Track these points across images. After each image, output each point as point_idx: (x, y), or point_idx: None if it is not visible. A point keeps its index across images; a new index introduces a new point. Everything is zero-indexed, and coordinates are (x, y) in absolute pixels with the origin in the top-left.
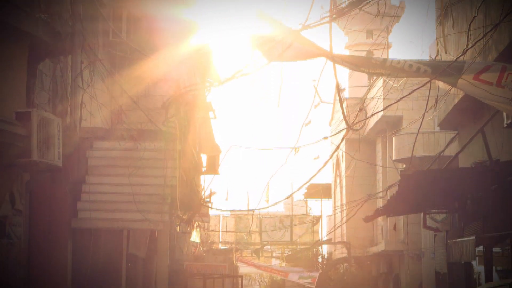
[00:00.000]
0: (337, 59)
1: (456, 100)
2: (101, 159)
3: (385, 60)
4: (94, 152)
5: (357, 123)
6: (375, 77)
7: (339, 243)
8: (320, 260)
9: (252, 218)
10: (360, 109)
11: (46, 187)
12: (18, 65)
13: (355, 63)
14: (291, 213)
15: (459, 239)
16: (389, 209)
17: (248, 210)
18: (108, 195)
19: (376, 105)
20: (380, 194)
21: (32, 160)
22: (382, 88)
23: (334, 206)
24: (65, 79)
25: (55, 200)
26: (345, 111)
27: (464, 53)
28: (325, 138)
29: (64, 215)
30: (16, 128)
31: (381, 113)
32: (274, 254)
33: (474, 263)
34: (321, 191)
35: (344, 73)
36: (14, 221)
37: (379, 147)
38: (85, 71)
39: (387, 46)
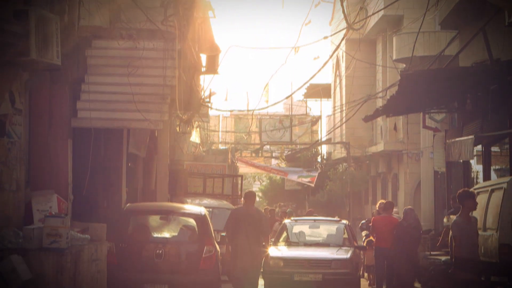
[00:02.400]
0: None
1: None
2: (100, 59)
3: None
4: (93, 51)
5: (357, 22)
6: None
7: (338, 143)
8: (319, 160)
9: (252, 118)
10: (361, 8)
11: (46, 86)
12: None
13: None
14: (290, 113)
15: (458, 139)
16: (389, 109)
17: (248, 110)
18: (108, 94)
19: (377, 3)
20: (380, 94)
21: (30, 58)
22: None
23: (334, 106)
24: None
25: (54, 100)
26: (345, 10)
27: None
28: (325, 37)
29: (64, 115)
30: (14, 26)
31: (381, 12)
32: (273, 154)
33: (473, 162)
34: (320, 91)
35: None
36: (14, 120)
37: (379, 47)
38: None
39: None
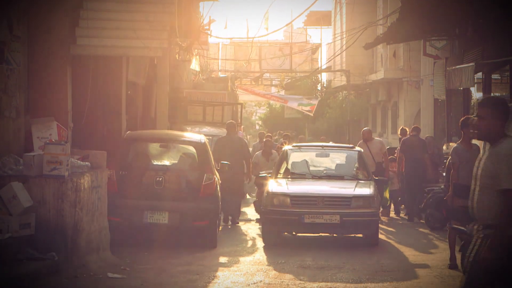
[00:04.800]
0: None
1: None
2: None
3: None
4: None
5: None
6: None
7: (338, 71)
8: (319, 88)
9: (252, 46)
10: None
11: (44, 13)
12: None
13: None
14: (290, 41)
15: (458, 66)
16: (389, 36)
17: (248, 38)
18: (107, 21)
19: None
20: (381, 21)
21: None
22: None
23: (334, 34)
24: None
25: (53, 26)
26: None
27: None
28: None
29: (62, 42)
30: None
31: None
32: (273, 82)
33: (473, 89)
34: (321, 18)
35: None
36: (13, 47)
37: None
38: None
39: None
